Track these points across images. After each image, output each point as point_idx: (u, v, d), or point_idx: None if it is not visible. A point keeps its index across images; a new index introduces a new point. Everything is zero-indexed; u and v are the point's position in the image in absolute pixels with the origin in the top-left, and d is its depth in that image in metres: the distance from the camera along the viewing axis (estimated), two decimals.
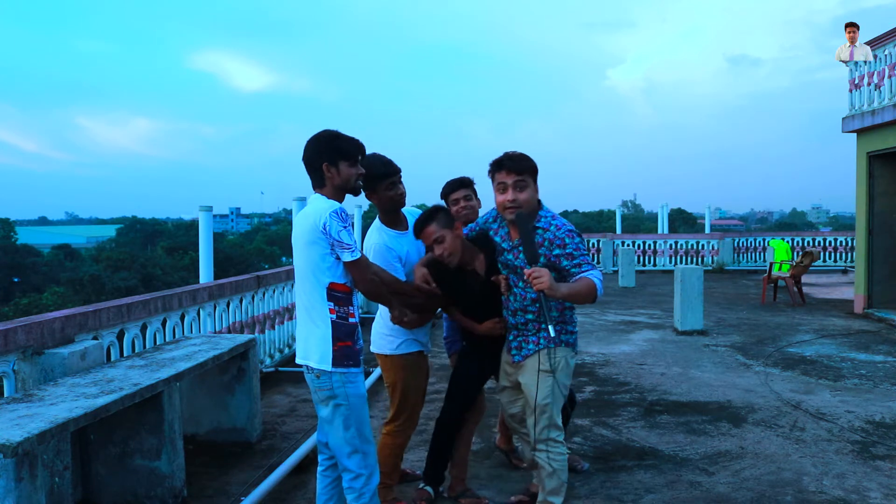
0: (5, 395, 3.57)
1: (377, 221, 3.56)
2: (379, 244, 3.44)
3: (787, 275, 11.78)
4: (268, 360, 6.92)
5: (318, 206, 2.85)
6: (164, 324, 5.06)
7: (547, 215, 3.17)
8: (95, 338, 4.19)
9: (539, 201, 3.21)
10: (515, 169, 3.08)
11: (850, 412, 5.40)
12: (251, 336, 5.10)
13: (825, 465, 4.33)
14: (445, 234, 3.31)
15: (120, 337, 4.50)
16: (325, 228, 2.80)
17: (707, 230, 23.33)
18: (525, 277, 3.00)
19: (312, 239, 2.83)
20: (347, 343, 2.86)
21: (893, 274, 10.50)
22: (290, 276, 7.58)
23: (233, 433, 4.76)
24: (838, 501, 3.81)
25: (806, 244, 17.93)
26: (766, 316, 10.35)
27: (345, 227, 2.82)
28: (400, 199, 3.47)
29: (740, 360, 7.30)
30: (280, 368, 6.88)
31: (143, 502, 3.70)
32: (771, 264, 12.21)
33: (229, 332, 6.06)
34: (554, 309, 3.18)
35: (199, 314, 5.60)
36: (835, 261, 18.13)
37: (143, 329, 4.78)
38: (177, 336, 5.14)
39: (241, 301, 6.36)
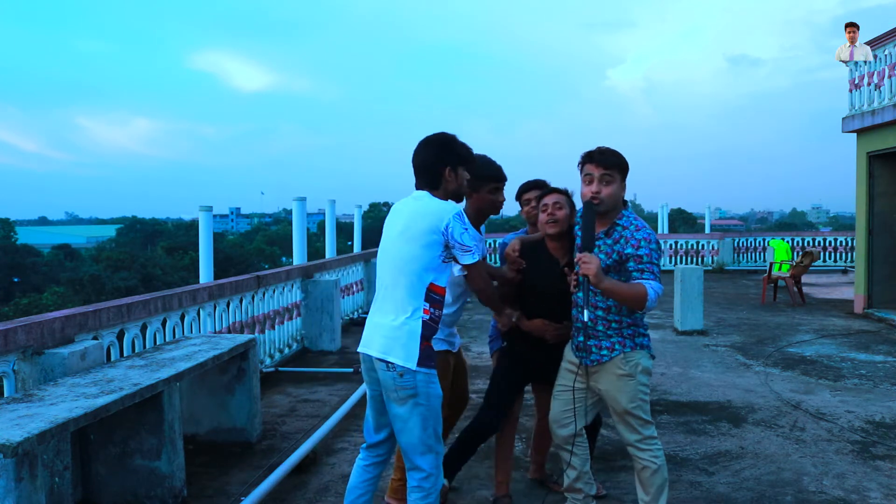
0: (5, 395, 3.57)
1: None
2: None
3: (787, 275, 11.78)
4: (268, 360, 6.92)
5: (438, 207, 2.84)
6: (164, 324, 5.06)
7: (631, 216, 3.16)
8: (95, 338, 4.19)
9: (625, 202, 3.19)
10: (604, 163, 3.07)
11: (850, 412, 5.40)
12: (251, 336, 5.10)
13: (825, 465, 4.33)
14: (564, 206, 3.35)
15: (120, 337, 4.50)
16: (446, 230, 2.80)
17: (707, 230, 23.33)
18: (576, 260, 2.99)
19: (428, 239, 2.80)
20: (430, 344, 2.85)
21: (893, 274, 10.50)
22: (290, 276, 7.59)
23: (233, 433, 4.76)
24: (838, 501, 3.81)
25: (806, 244, 17.92)
26: (766, 316, 10.35)
27: (466, 230, 2.84)
28: (500, 206, 3.53)
29: (740, 360, 7.31)
30: (280, 368, 6.88)
31: (143, 502, 3.70)
32: (771, 264, 12.21)
33: (229, 332, 6.06)
34: (615, 312, 3.13)
35: (199, 314, 5.60)
36: (835, 261, 18.13)
37: (143, 329, 4.78)
38: (177, 336, 5.14)
39: (241, 301, 6.36)
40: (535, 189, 3.75)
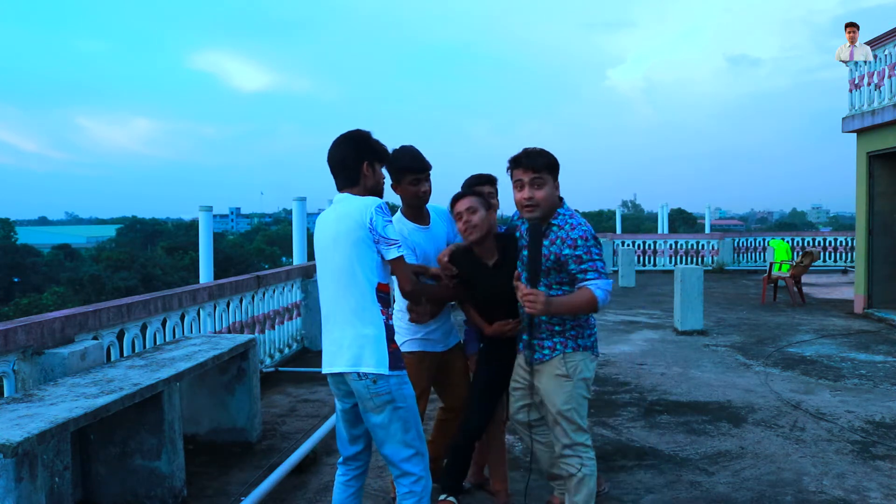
0: (5, 395, 3.57)
1: (398, 213, 3.55)
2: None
3: (787, 275, 11.78)
4: (268, 360, 6.92)
5: (359, 204, 2.78)
6: (164, 324, 5.06)
7: (566, 213, 3.07)
8: (95, 338, 4.19)
9: (561, 199, 3.11)
10: (532, 166, 2.99)
11: (850, 412, 5.40)
12: (251, 336, 5.10)
13: (825, 465, 4.33)
14: (479, 208, 3.29)
15: (120, 337, 4.50)
16: (371, 224, 2.74)
17: (707, 230, 23.35)
18: (520, 295, 2.93)
19: (358, 237, 2.74)
20: (395, 345, 2.81)
21: (893, 274, 10.50)
22: (290, 275, 7.59)
23: (233, 433, 4.76)
24: (838, 501, 3.81)
25: (806, 244, 17.93)
26: (766, 316, 10.35)
27: (389, 223, 2.78)
28: (423, 196, 3.46)
29: (740, 360, 7.31)
30: (280, 368, 6.88)
31: (143, 502, 3.70)
32: (771, 264, 12.21)
33: (229, 332, 6.06)
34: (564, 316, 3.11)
35: (199, 314, 5.60)
36: (835, 261, 18.14)
37: (143, 329, 4.78)
38: (177, 336, 5.14)
39: (241, 301, 6.36)
40: (487, 184, 3.71)
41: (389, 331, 2.79)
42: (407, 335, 3.48)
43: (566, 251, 2.97)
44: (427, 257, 3.48)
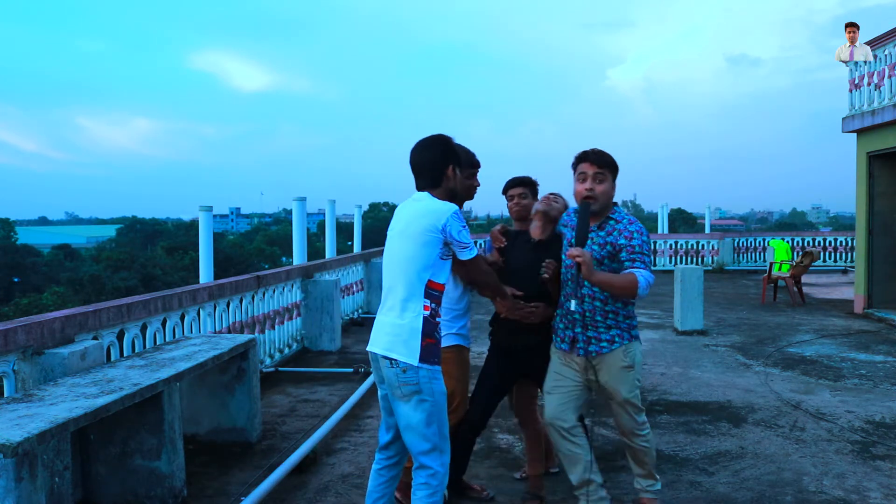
0: (5, 395, 3.57)
1: None
2: None
3: (787, 275, 11.78)
4: (268, 360, 6.92)
5: (437, 206, 2.94)
6: (164, 324, 5.06)
7: (622, 212, 3.35)
8: (95, 338, 4.19)
9: (616, 203, 3.35)
10: (597, 162, 3.25)
11: (850, 412, 5.40)
12: (251, 336, 5.10)
13: (825, 465, 4.33)
14: (528, 196, 3.65)
15: (120, 337, 4.50)
16: (444, 228, 2.89)
17: (707, 230, 23.34)
18: (568, 254, 3.13)
19: (428, 237, 2.89)
20: (433, 340, 2.90)
21: (893, 274, 10.50)
22: (290, 275, 7.59)
23: (233, 433, 4.76)
24: (838, 501, 3.81)
25: (806, 244, 17.93)
26: (766, 316, 10.35)
27: (463, 227, 2.94)
28: (473, 192, 3.67)
29: (740, 360, 7.30)
30: (280, 368, 6.88)
31: (143, 502, 3.70)
32: (771, 264, 12.21)
33: (229, 332, 6.06)
34: (612, 303, 3.26)
35: (199, 314, 5.60)
36: (835, 261, 18.13)
37: (143, 329, 4.78)
38: (177, 336, 5.14)
39: (241, 301, 6.36)
40: (521, 186, 3.86)
41: (428, 325, 2.89)
42: (445, 329, 3.51)
43: (622, 241, 3.21)
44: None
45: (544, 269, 3.35)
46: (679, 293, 9.07)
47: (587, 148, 3.33)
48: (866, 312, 10.27)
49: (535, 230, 3.54)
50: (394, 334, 2.88)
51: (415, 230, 2.92)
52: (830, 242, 18.37)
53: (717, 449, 4.63)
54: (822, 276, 16.28)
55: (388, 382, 2.90)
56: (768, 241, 16.88)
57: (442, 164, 3.02)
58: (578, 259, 3.03)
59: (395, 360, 2.84)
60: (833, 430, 4.99)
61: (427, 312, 2.88)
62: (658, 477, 3.56)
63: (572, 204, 3.50)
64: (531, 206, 3.69)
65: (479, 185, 3.67)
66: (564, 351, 3.37)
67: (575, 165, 3.32)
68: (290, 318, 7.64)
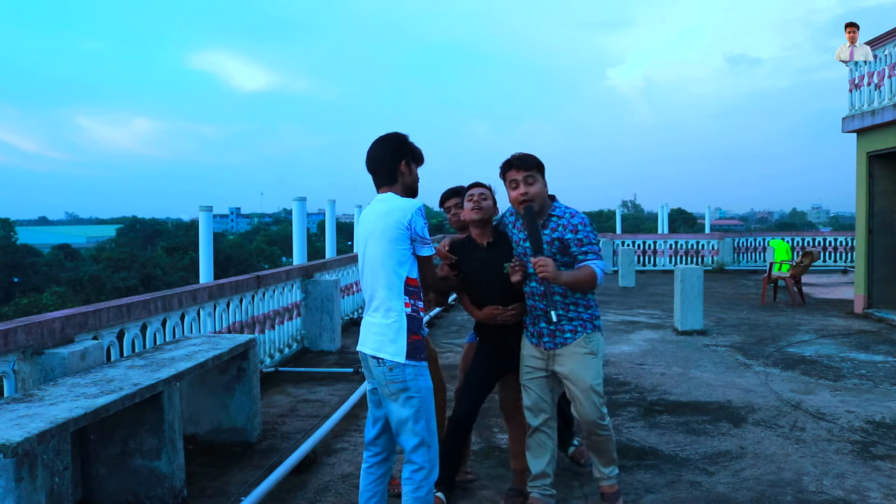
0: (5, 395, 3.57)
1: None
2: None
3: (787, 275, 11.78)
4: (268, 360, 6.92)
5: (401, 204, 3.00)
6: (164, 324, 5.06)
7: (562, 206, 3.45)
8: (95, 338, 4.19)
9: (553, 196, 3.47)
10: (524, 166, 3.34)
11: (850, 412, 5.40)
12: (251, 336, 5.09)
13: (825, 465, 4.33)
14: (489, 197, 3.57)
15: (120, 337, 4.50)
16: (410, 225, 2.95)
17: (707, 230, 23.36)
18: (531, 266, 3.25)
19: (397, 235, 2.96)
20: (418, 336, 2.97)
21: (893, 274, 10.50)
22: (290, 276, 7.59)
23: (233, 433, 4.76)
24: (838, 501, 3.81)
25: (806, 244, 17.94)
26: (766, 316, 10.35)
27: (426, 224, 3.02)
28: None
29: (740, 360, 7.30)
30: (280, 368, 6.88)
31: (143, 502, 3.70)
32: (771, 264, 12.21)
33: (229, 332, 6.06)
34: (571, 296, 3.39)
35: (199, 314, 5.60)
36: (835, 261, 18.14)
37: (143, 329, 4.78)
38: (177, 336, 5.14)
39: (241, 301, 6.37)
40: (456, 196, 3.91)
41: (413, 322, 2.96)
42: None
43: (568, 235, 3.34)
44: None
45: (515, 270, 3.36)
46: (679, 293, 9.07)
47: (509, 156, 3.39)
48: (866, 312, 10.27)
49: (479, 236, 3.60)
50: (381, 334, 2.96)
51: (384, 229, 2.98)
52: (830, 242, 18.38)
53: (717, 449, 4.63)
54: (822, 276, 16.29)
55: (378, 381, 2.99)
56: (768, 241, 16.88)
57: (395, 161, 3.07)
58: (543, 272, 3.15)
59: (383, 359, 2.92)
60: (833, 430, 4.99)
61: (409, 309, 2.97)
62: (616, 460, 3.64)
63: (501, 197, 3.62)
64: (488, 206, 3.71)
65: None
66: (534, 344, 3.51)
67: (503, 175, 3.42)
68: (290, 318, 7.64)
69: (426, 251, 3.03)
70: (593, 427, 3.45)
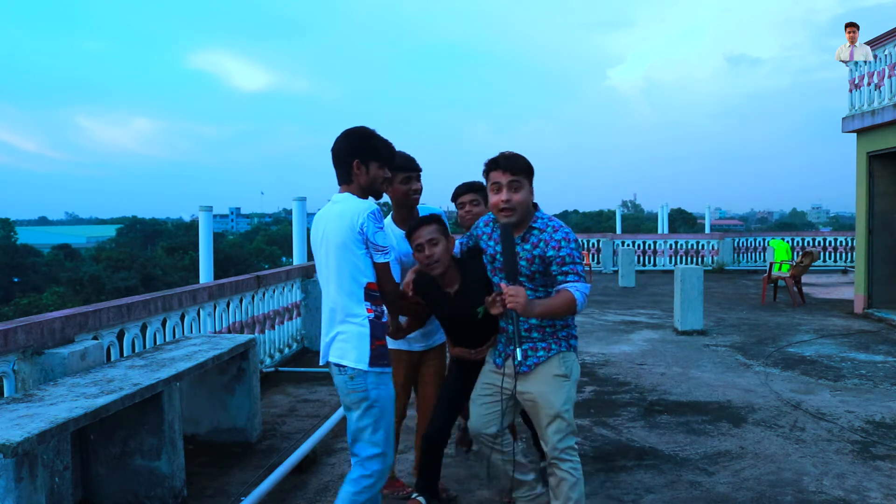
0: (5, 395, 3.57)
1: (388, 218, 3.55)
2: None
3: (787, 275, 11.78)
4: (268, 360, 6.92)
5: (354, 206, 2.81)
6: (164, 324, 5.06)
7: (544, 216, 3.06)
8: (95, 338, 4.18)
9: (535, 205, 3.09)
10: (510, 168, 2.95)
11: (850, 412, 5.40)
12: (251, 336, 5.10)
13: (825, 465, 4.33)
14: (440, 239, 3.19)
15: (120, 337, 4.50)
16: (362, 229, 2.78)
17: (707, 230, 23.37)
18: (501, 293, 2.87)
19: (349, 239, 2.79)
20: (382, 342, 2.86)
21: (893, 274, 10.50)
22: (290, 276, 7.59)
23: (233, 433, 4.76)
24: (838, 501, 3.81)
25: (806, 244, 17.94)
26: (766, 316, 10.35)
27: (380, 229, 2.82)
28: (414, 196, 3.51)
29: (740, 360, 7.30)
30: (280, 368, 6.88)
31: (143, 502, 3.70)
32: (771, 264, 12.21)
33: (229, 332, 6.06)
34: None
35: (199, 314, 5.59)
36: (835, 261, 18.14)
37: (143, 329, 4.78)
38: (177, 336, 5.14)
39: (241, 301, 6.36)
40: (471, 192, 3.73)
41: (376, 328, 2.83)
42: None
43: (550, 252, 2.96)
44: (414, 266, 3.42)
45: (494, 303, 2.94)
46: (679, 293, 9.07)
47: (496, 155, 3.01)
48: (866, 312, 10.27)
49: (444, 284, 3.27)
50: (343, 340, 2.82)
51: (336, 234, 2.81)
52: (830, 242, 18.38)
53: (717, 449, 4.63)
54: (822, 276, 16.28)
55: (339, 389, 2.86)
56: (768, 241, 16.90)
57: (347, 158, 2.87)
58: (512, 303, 2.79)
59: (344, 366, 2.80)
60: (833, 430, 4.99)
61: (371, 315, 2.82)
62: None
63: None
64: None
65: (417, 188, 3.51)
66: (497, 365, 3.17)
67: (486, 174, 3.02)
68: (290, 318, 7.64)
69: (381, 258, 2.82)
70: (557, 456, 3.01)
